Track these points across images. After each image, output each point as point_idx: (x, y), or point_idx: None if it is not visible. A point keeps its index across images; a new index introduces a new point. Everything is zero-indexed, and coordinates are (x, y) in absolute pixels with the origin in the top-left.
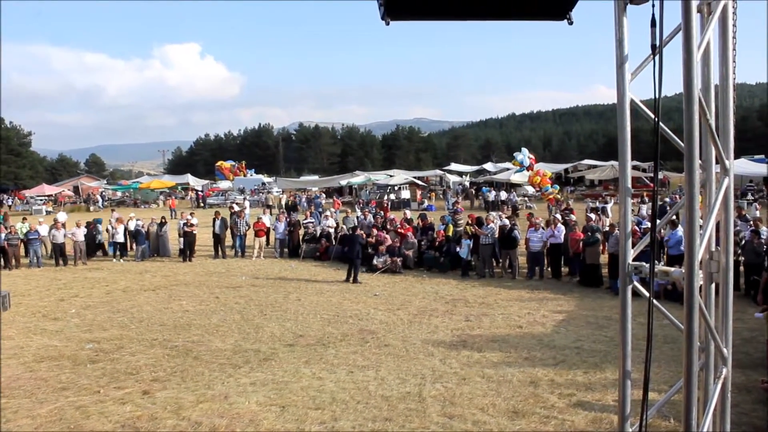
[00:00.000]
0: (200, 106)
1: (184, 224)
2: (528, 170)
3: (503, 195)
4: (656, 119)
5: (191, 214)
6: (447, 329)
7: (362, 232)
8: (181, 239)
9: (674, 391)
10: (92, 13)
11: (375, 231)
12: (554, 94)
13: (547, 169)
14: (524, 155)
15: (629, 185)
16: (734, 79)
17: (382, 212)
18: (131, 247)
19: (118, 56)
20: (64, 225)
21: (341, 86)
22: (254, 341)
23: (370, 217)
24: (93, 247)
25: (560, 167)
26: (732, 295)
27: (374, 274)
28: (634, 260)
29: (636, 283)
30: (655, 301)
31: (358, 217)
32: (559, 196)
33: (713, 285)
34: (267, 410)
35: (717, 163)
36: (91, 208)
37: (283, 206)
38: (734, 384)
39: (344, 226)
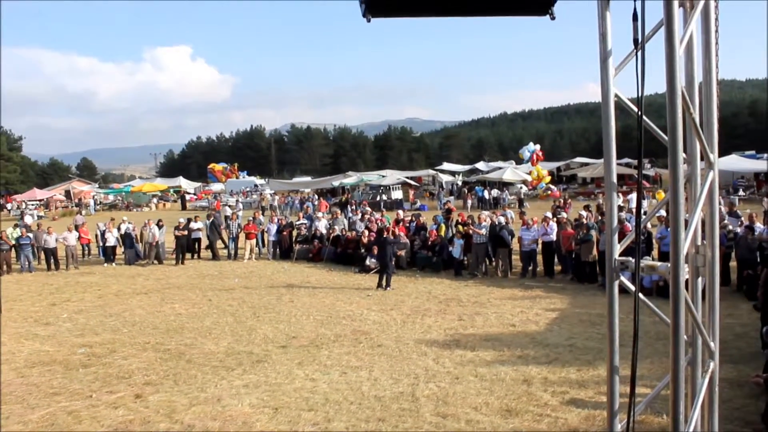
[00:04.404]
0: (192, 108)
1: (176, 228)
2: (532, 164)
3: (495, 192)
4: (639, 114)
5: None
6: (440, 329)
7: (389, 230)
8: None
9: (662, 386)
10: (82, 16)
11: (367, 232)
12: (545, 93)
13: (540, 167)
14: (531, 149)
15: (614, 180)
16: (718, 73)
17: (374, 213)
18: (123, 251)
19: (109, 60)
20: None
21: (333, 87)
22: (247, 343)
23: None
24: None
25: (553, 165)
26: (718, 289)
27: (367, 275)
28: (623, 256)
29: (624, 278)
30: (641, 295)
31: (349, 217)
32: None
33: (700, 279)
34: (260, 412)
35: (702, 158)
36: (83, 212)
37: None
38: (726, 379)
39: (336, 228)
